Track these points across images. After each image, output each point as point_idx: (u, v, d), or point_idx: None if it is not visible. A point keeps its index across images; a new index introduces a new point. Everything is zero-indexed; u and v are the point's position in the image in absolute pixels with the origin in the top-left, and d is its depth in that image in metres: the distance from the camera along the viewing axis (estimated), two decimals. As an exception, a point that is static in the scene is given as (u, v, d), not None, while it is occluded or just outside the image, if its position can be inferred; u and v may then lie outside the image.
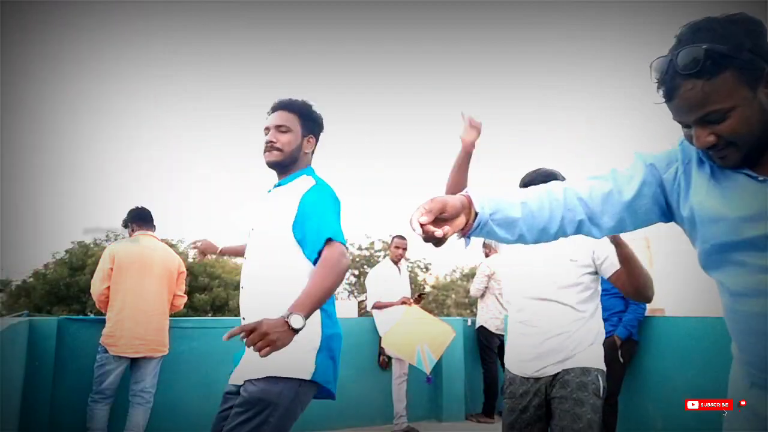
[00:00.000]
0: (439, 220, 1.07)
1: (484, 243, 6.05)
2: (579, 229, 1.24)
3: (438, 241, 1.07)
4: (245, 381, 1.84)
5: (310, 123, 2.14)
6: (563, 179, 2.31)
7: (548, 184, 1.27)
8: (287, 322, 1.62)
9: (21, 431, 3.64)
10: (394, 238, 5.49)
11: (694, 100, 1.06)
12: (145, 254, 3.83)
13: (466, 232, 1.15)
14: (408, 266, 5.55)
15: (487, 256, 5.94)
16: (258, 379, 1.81)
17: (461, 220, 1.11)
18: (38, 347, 4.01)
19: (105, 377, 3.68)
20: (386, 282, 5.24)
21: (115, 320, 3.70)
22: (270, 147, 2.07)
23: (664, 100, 1.12)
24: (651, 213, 1.25)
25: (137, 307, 3.72)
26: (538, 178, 2.36)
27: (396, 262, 5.37)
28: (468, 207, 1.13)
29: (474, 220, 1.14)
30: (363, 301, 33.37)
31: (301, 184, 2.03)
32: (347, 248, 1.87)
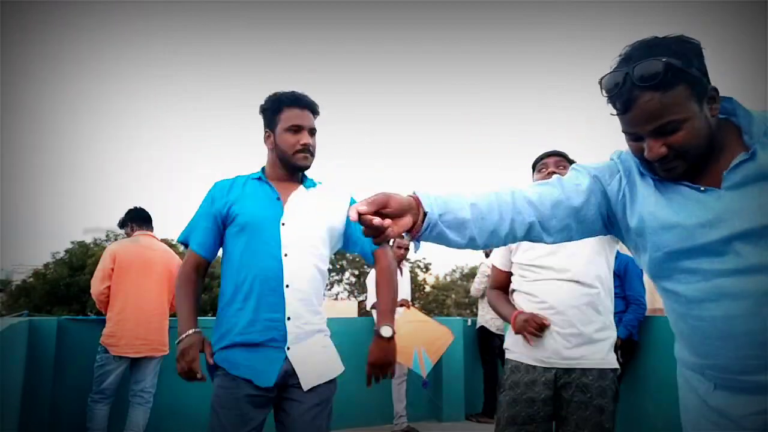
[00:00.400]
0: (382, 214, 1.05)
1: None
2: (529, 234, 1.24)
3: (378, 235, 1.04)
4: (320, 384, 2.01)
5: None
6: (573, 162, 2.32)
7: (496, 187, 1.27)
8: (385, 338, 2.13)
9: (21, 431, 3.64)
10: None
11: (651, 111, 1.10)
12: (146, 254, 3.83)
13: (415, 234, 1.13)
14: (408, 266, 5.38)
15: (487, 255, 5.93)
16: (331, 380, 2.08)
17: (407, 220, 1.09)
18: (38, 347, 4.01)
19: (105, 377, 3.68)
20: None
21: (116, 320, 3.70)
22: (307, 150, 2.01)
23: (617, 112, 1.16)
24: (594, 223, 1.29)
25: (138, 307, 3.72)
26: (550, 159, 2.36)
27: (397, 263, 5.35)
28: (416, 208, 1.12)
29: (423, 222, 1.12)
30: (363, 301, 33.40)
31: (337, 187, 2.17)
32: None
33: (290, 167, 2.03)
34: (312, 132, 2.04)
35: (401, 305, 5.02)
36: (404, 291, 5.26)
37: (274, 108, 2.05)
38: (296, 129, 2.00)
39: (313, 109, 2.06)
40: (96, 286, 3.80)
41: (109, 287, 3.75)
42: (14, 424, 3.50)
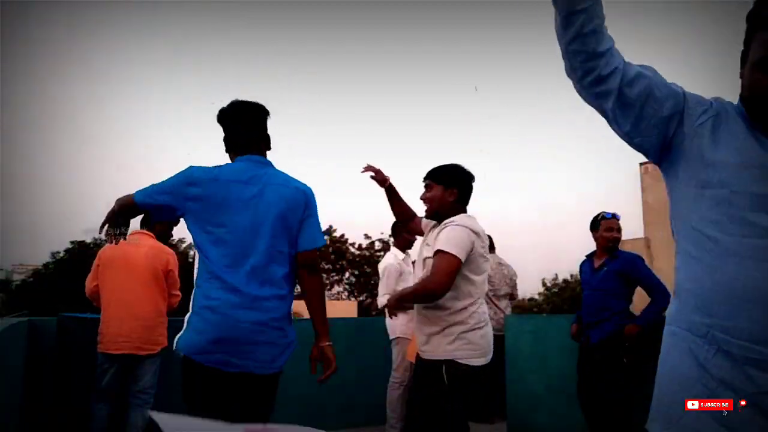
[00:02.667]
0: None
1: None
2: (611, 77, 1.21)
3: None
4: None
5: None
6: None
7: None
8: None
9: (21, 431, 3.64)
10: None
11: None
12: (129, 252, 3.82)
13: None
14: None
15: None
16: None
17: None
18: (38, 347, 4.01)
19: (102, 377, 3.70)
20: (401, 274, 4.67)
21: (103, 318, 3.75)
22: None
23: (760, 27, 1.15)
24: (651, 130, 1.23)
25: (121, 305, 3.72)
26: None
27: (404, 251, 4.88)
28: None
29: None
30: (363, 300, 33.41)
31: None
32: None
33: None
34: None
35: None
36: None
37: None
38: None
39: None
40: (87, 285, 3.89)
41: (97, 285, 3.81)
42: (14, 424, 3.51)
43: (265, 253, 2.14)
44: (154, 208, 2.23)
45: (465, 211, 2.72)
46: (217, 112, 2.37)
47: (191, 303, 2.20)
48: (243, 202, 2.14)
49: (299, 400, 4.72)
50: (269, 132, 2.39)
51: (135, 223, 4.11)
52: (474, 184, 2.77)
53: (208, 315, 2.09)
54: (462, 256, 2.46)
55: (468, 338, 2.50)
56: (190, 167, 2.21)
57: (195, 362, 2.08)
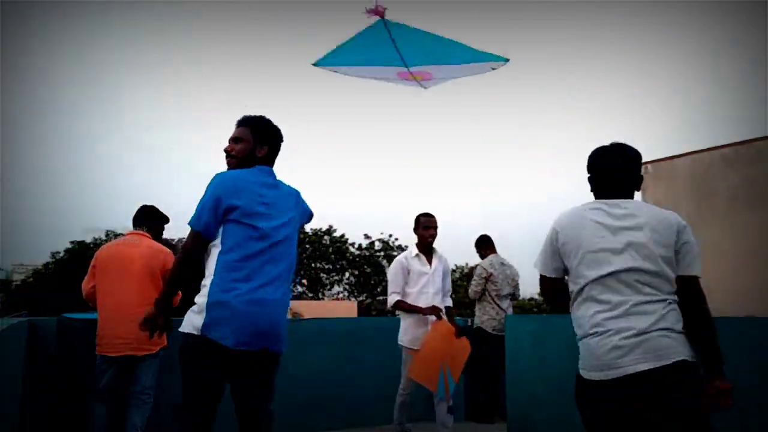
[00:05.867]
0: None
1: (478, 243, 6.05)
2: None
3: None
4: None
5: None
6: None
7: None
8: None
9: (21, 431, 3.64)
10: (419, 217, 4.30)
11: None
12: (125, 253, 3.81)
13: None
14: (441, 257, 4.73)
15: (483, 257, 5.93)
16: None
17: None
18: (38, 347, 4.01)
19: (101, 377, 3.70)
20: (413, 275, 4.22)
21: (100, 320, 3.73)
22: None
23: None
24: None
25: (117, 306, 3.70)
26: (617, 161, 2.25)
27: (423, 248, 4.29)
28: None
29: None
30: (363, 301, 33.41)
31: None
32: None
33: None
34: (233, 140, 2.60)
35: (431, 312, 4.08)
36: (436, 286, 4.23)
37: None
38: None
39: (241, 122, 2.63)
40: (83, 286, 3.86)
41: (94, 286, 3.79)
42: (14, 424, 3.51)
43: None
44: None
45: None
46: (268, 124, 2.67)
47: None
48: None
49: (302, 401, 4.73)
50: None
51: (129, 223, 4.12)
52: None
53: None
54: None
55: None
56: None
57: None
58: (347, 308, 29.79)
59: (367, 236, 35.32)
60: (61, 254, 30.21)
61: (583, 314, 2.14)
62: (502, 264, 5.85)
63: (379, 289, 34.32)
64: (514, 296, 5.97)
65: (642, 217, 2.13)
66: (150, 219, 4.04)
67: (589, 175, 2.32)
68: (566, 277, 2.26)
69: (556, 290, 2.31)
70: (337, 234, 35.12)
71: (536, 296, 37.39)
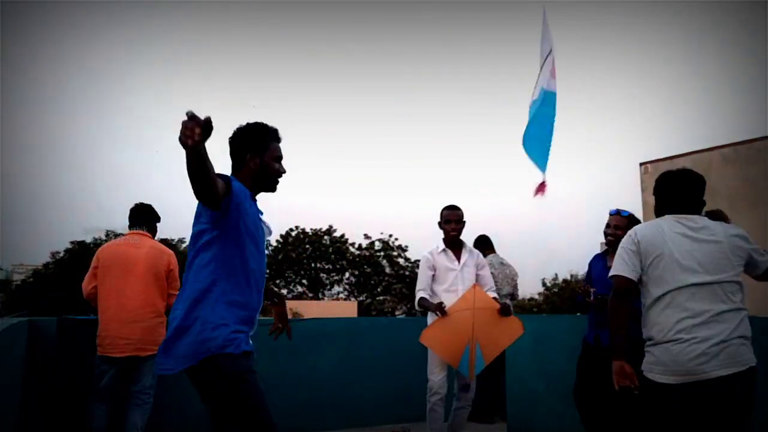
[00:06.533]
0: None
1: (477, 242, 6.05)
2: None
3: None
4: None
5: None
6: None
7: None
8: None
9: (21, 431, 3.65)
10: (442, 210, 4.06)
11: None
12: (129, 253, 3.81)
13: None
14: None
15: (484, 255, 5.92)
16: None
17: None
18: (38, 347, 4.00)
19: (100, 378, 3.69)
20: (440, 271, 3.96)
21: (102, 320, 3.71)
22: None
23: None
24: None
25: (121, 307, 3.69)
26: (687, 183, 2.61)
27: (449, 243, 4.03)
28: None
29: None
30: (363, 301, 33.39)
31: None
32: None
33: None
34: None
35: (435, 310, 3.76)
36: (464, 282, 3.93)
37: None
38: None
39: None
40: (84, 286, 3.84)
41: (95, 287, 3.78)
42: (14, 424, 3.51)
43: None
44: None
45: None
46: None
47: None
48: None
49: (302, 401, 4.73)
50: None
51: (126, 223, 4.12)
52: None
53: None
54: None
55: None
56: None
57: None
58: (347, 308, 29.82)
59: (367, 236, 35.35)
60: (61, 254, 30.20)
61: (666, 320, 2.32)
62: (502, 264, 5.85)
63: (379, 289, 34.34)
64: (513, 296, 5.97)
65: (717, 231, 2.41)
66: (149, 218, 4.04)
67: (661, 194, 2.59)
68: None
69: (629, 290, 2.48)
70: (337, 234, 35.15)
71: (536, 296, 37.45)
